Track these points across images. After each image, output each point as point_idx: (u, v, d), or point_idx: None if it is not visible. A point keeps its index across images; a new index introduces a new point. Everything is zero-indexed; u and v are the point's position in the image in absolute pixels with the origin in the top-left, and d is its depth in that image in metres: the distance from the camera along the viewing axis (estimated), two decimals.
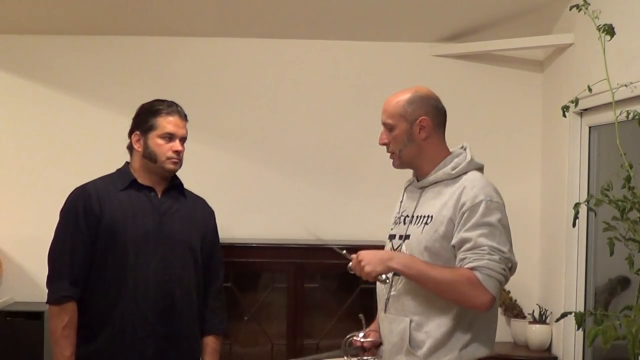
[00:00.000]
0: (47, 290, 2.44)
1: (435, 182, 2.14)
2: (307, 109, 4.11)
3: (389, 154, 2.20)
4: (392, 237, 2.25)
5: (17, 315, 3.71)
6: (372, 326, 2.29)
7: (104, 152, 3.72)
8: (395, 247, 2.18)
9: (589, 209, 2.08)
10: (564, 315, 2.17)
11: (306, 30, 4.01)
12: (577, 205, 2.11)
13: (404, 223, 2.19)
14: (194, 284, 2.51)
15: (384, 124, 2.17)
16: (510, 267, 2.00)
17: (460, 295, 1.97)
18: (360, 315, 2.26)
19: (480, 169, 2.16)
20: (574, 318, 2.05)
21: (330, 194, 4.09)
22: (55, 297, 2.39)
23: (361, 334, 2.22)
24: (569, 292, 3.52)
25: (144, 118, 2.48)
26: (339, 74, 4.12)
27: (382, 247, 3.74)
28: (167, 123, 2.45)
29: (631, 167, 2.01)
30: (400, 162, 2.19)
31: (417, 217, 2.13)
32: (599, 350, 3.32)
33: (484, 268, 1.94)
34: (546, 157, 3.99)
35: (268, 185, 4.09)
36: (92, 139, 4.02)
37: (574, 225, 2.20)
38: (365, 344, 2.22)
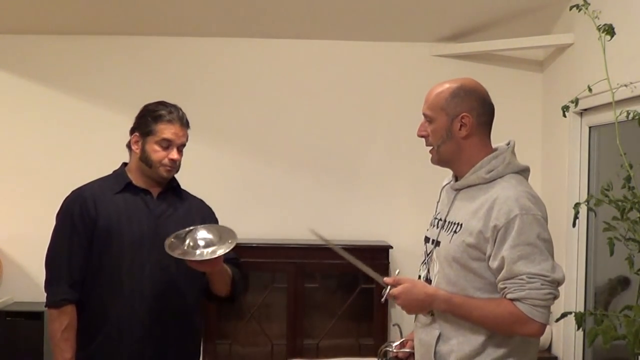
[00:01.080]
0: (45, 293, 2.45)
1: (469, 186, 1.98)
2: (307, 109, 4.11)
3: (429, 149, 2.03)
4: (426, 239, 2.12)
5: (17, 315, 3.71)
6: (410, 335, 2.17)
7: (104, 152, 3.71)
8: (428, 252, 2.07)
9: (589, 209, 2.08)
10: (564, 315, 2.17)
11: (306, 30, 4.01)
12: (577, 205, 2.11)
13: (437, 227, 2.05)
14: (190, 286, 2.50)
15: (424, 115, 2.01)
16: (556, 286, 1.86)
17: (507, 331, 1.88)
18: (394, 324, 2.20)
19: (521, 171, 1.98)
20: (574, 318, 2.05)
21: (331, 194, 4.09)
22: (54, 300, 2.38)
23: (396, 344, 2.13)
24: (569, 292, 3.52)
25: (145, 121, 2.45)
26: (339, 74, 4.12)
27: (382, 248, 3.78)
28: (167, 130, 2.42)
29: (631, 167, 2.01)
30: (438, 158, 2.01)
31: (449, 222, 1.99)
32: (599, 350, 3.32)
33: (526, 299, 1.81)
34: (546, 157, 3.99)
35: (268, 186, 4.09)
36: (92, 139, 4.02)
37: (574, 225, 2.20)
38: (400, 355, 2.13)
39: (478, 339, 1.89)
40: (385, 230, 3.95)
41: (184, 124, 2.48)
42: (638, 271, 2.04)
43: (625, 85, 2.28)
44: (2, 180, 4.05)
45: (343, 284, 4.00)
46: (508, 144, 2.02)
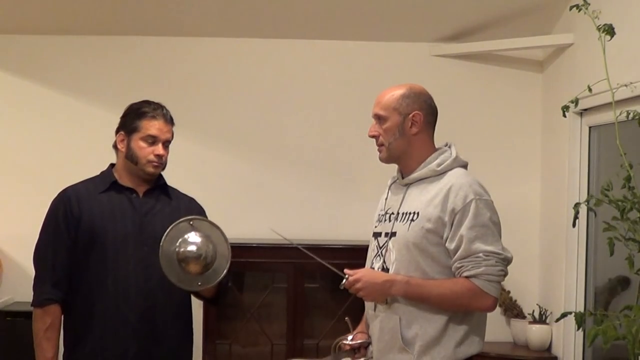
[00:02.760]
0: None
1: (421, 179, 2.16)
2: (306, 109, 4.11)
3: (378, 147, 2.22)
4: (377, 234, 2.25)
5: (17, 315, 3.71)
6: (360, 327, 2.29)
7: (104, 152, 3.70)
8: (381, 245, 2.19)
9: (589, 209, 2.07)
10: (564, 315, 2.17)
11: (306, 30, 4.01)
12: (577, 205, 2.11)
13: (389, 220, 2.20)
14: None
15: (376, 116, 2.21)
16: (506, 264, 2.05)
17: (464, 307, 2.05)
18: (346, 318, 2.26)
19: (464, 165, 2.18)
20: (574, 318, 2.05)
21: (330, 193, 4.08)
22: (38, 299, 2.40)
23: (350, 337, 2.22)
24: (569, 292, 3.52)
25: (130, 119, 2.48)
26: (339, 74, 4.12)
27: None
28: (151, 126, 2.44)
29: (631, 167, 2.01)
30: (388, 154, 2.20)
31: (403, 214, 2.15)
32: (599, 350, 3.32)
33: (483, 275, 2.00)
34: (546, 157, 3.99)
35: (268, 185, 4.09)
36: (92, 139, 4.01)
37: (574, 225, 2.19)
38: (354, 347, 2.22)
39: (439, 320, 2.04)
40: None
41: (168, 120, 2.50)
42: (638, 271, 2.03)
43: (625, 85, 2.28)
44: (2, 180, 4.05)
45: None
46: (446, 144, 2.22)
